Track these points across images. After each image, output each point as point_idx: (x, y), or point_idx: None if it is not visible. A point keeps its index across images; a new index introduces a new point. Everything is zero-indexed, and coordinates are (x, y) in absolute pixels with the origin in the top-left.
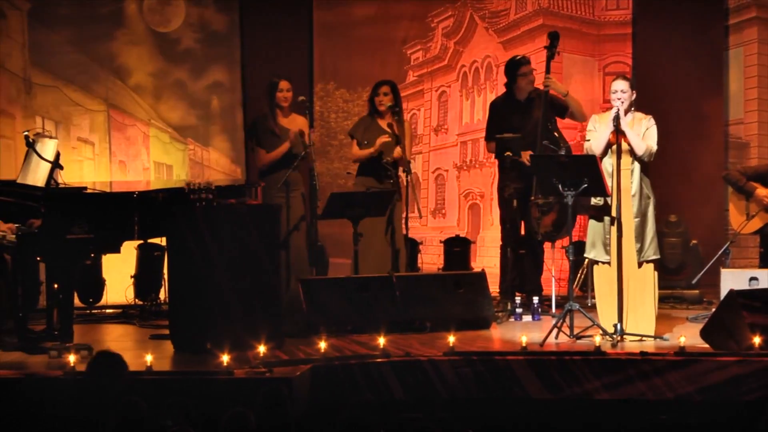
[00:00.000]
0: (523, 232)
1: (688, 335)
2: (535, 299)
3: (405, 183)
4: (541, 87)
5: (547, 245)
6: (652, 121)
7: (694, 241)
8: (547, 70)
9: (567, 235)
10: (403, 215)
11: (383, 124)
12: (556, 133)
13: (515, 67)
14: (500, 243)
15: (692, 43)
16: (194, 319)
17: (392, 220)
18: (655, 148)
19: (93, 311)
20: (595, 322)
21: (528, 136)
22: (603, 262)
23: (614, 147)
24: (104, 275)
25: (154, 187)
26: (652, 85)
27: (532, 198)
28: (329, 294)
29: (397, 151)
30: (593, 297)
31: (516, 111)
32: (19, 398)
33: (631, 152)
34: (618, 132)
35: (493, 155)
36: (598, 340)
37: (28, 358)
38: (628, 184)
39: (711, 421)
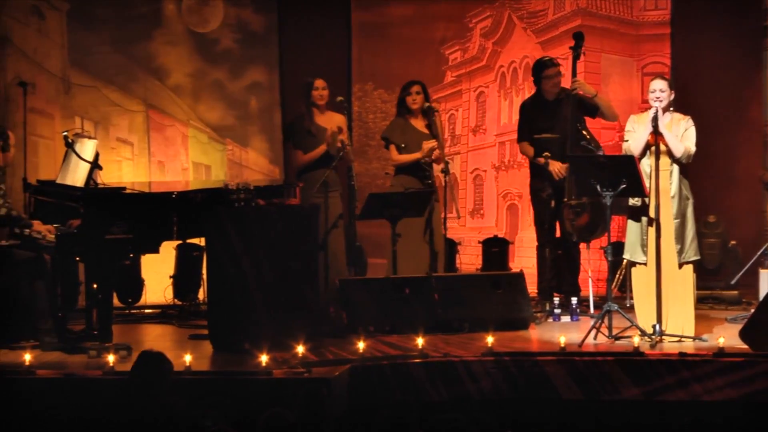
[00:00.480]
0: (557, 234)
1: (727, 336)
2: (574, 300)
3: (443, 183)
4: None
5: (582, 246)
6: (691, 122)
7: (733, 242)
8: (574, 72)
9: (601, 236)
10: (442, 216)
11: (417, 124)
12: (586, 134)
13: (540, 70)
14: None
15: (730, 43)
16: (233, 319)
17: (430, 220)
18: (693, 149)
19: (132, 311)
20: (633, 322)
21: (559, 137)
22: (640, 263)
23: (653, 148)
24: (143, 275)
25: (192, 188)
26: (691, 85)
27: (565, 200)
28: (368, 294)
29: (435, 151)
30: (632, 298)
31: (545, 111)
32: (59, 398)
33: (670, 153)
34: (656, 133)
35: (526, 156)
36: (636, 340)
37: (67, 358)
38: (667, 186)
39: (748, 422)
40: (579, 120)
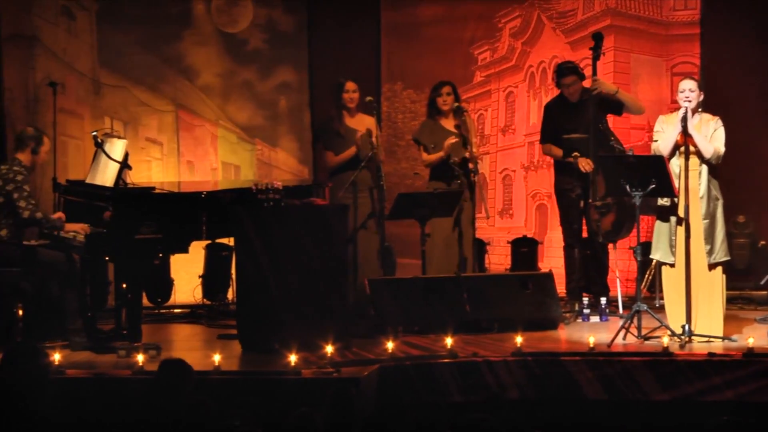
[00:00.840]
0: (585, 234)
1: (756, 336)
2: (603, 300)
3: (472, 183)
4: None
5: (609, 246)
6: (720, 123)
7: (763, 242)
8: (594, 72)
9: (626, 236)
10: (471, 216)
11: (447, 124)
12: (610, 135)
13: (558, 76)
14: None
15: (760, 43)
16: (262, 319)
17: (459, 220)
18: (722, 150)
19: (161, 311)
20: (663, 323)
21: (588, 137)
22: (668, 264)
23: (682, 148)
24: (172, 275)
25: (221, 188)
26: (720, 85)
27: (590, 201)
28: (397, 294)
29: (465, 151)
30: (661, 298)
31: (568, 113)
32: (89, 397)
33: (699, 154)
34: (686, 134)
35: (549, 157)
36: (666, 341)
37: (96, 358)
38: (696, 186)
39: None
40: (601, 120)
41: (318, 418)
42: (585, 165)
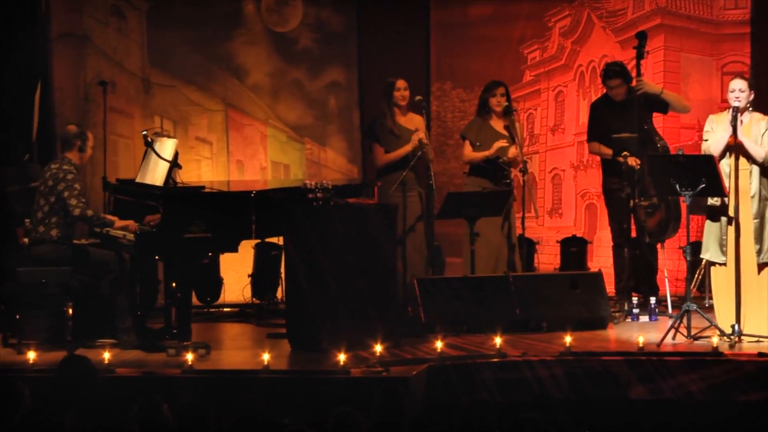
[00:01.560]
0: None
1: None
2: (652, 299)
3: (521, 183)
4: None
5: (658, 246)
6: None
7: None
8: (638, 72)
9: (673, 235)
10: (519, 215)
11: (496, 125)
12: (655, 134)
13: (603, 78)
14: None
15: None
16: (311, 318)
17: (508, 219)
18: None
19: (211, 310)
20: (712, 322)
21: (637, 137)
22: (718, 263)
23: (732, 148)
24: (222, 274)
25: (271, 187)
26: None
27: (636, 201)
28: (445, 294)
29: (512, 151)
30: (711, 298)
31: (614, 112)
32: (138, 396)
33: (748, 154)
34: (736, 136)
35: (599, 155)
36: (715, 340)
37: (146, 357)
38: (746, 185)
39: None
40: (646, 120)
41: (358, 419)
42: (634, 164)
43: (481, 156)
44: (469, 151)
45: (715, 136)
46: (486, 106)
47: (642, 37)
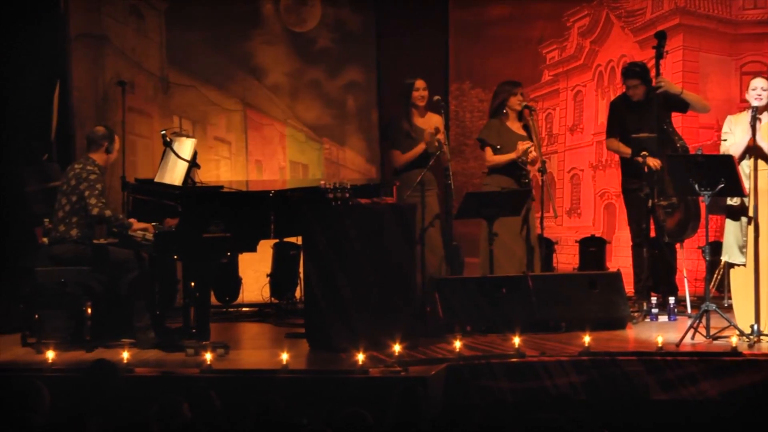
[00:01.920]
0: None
1: None
2: (671, 299)
3: (540, 183)
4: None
5: (677, 245)
6: None
7: None
8: (657, 72)
9: (692, 235)
10: (538, 215)
11: (513, 126)
12: (674, 134)
13: (623, 77)
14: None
15: None
16: (329, 317)
17: (527, 219)
18: None
19: (229, 309)
20: (731, 322)
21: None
22: (737, 264)
23: (751, 149)
24: (240, 274)
25: (289, 186)
26: None
27: (655, 200)
28: (464, 293)
29: (532, 152)
30: (730, 298)
31: (633, 111)
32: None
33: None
34: (755, 135)
35: (615, 154)
36: (734, 340)
37: (165, 356)
38: (765, 186)
39: None
40: (665, 119)
41: (367, 419)
42: (653, 164)
43: (506, 159)
44: (491, 156)
45: (734, 138)
46: (504, 106)
47: (661, 37)
